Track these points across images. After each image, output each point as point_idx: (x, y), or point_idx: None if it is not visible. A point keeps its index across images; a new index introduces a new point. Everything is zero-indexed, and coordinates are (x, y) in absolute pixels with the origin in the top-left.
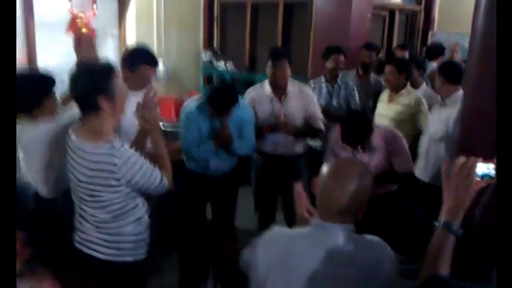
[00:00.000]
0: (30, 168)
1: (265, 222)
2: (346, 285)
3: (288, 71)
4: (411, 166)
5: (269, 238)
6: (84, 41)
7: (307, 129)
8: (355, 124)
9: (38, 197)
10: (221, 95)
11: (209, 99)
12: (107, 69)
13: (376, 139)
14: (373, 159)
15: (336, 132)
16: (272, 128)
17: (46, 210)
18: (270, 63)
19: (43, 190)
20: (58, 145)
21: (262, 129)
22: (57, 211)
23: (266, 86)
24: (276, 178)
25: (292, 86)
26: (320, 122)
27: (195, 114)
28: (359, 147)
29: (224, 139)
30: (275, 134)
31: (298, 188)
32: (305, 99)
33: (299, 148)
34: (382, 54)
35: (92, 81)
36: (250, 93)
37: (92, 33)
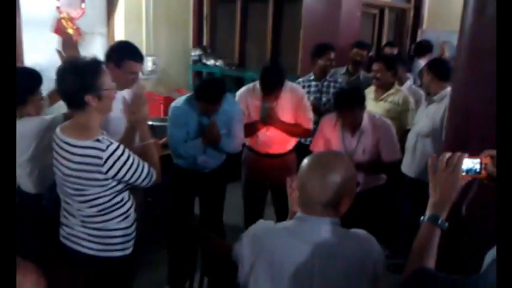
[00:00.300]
0: None
1: (252, 218)
2: (332, 279)
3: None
4: (398, 155)
5: (253, 233)
6: (70, 41)
7: (297, 128)
8: (348, 90)
9: (21, 193)
10: (209, 86)
11: (197, 89)
12: (95, 66)
13: (366, 124)
14: (361, 143)
15: (326, 117)
16: (264, 120)
17: (31, 205)
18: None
19: (28, 185)
20: (43, 140)
21: (256, 124)
22: (43, 206)
23: (258, 88)
24: (266, 174)
25: (284, 87)
26: (310, 123)
27: (184, 110)
28: (349, 126)
29: (212, 136)
30: (267, 134)
31: (290, 183)
32: (296, 99)
33: (290, 145)
34: (372, 53)
35: (80, 78)
36: (242, 93)
37: (78, 33)
